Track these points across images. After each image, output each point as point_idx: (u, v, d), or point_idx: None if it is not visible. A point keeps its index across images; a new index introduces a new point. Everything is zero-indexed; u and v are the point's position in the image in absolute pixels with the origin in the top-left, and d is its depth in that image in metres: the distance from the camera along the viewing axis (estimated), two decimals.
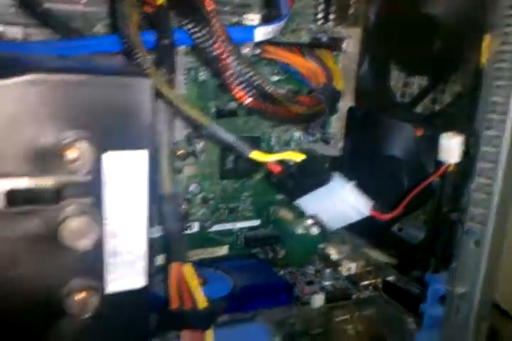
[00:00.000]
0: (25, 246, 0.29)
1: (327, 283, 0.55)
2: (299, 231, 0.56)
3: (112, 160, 0.29)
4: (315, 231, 0.57)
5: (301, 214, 0.57)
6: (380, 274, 0.54)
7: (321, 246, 0.56)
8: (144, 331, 0.32)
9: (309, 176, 0.37)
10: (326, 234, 0.57)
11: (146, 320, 0.32)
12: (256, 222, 0.58)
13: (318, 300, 0.53)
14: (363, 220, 0.44)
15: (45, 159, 0.28)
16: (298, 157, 0.36)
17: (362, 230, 0.50)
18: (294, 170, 0.36)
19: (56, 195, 0.28)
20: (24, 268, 0.29)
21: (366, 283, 0.55)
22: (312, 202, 0.40)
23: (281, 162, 0.36)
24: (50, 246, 0.29)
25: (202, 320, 0.32)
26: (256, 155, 0.34)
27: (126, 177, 0.30)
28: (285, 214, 0.58)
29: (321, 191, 0.39)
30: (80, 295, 0.30)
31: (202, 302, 0.32)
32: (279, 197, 0.58)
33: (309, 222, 0.57)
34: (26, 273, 0.29)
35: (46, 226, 0.29)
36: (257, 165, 0.57)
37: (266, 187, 0.57)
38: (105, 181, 0.30)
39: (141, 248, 0.31)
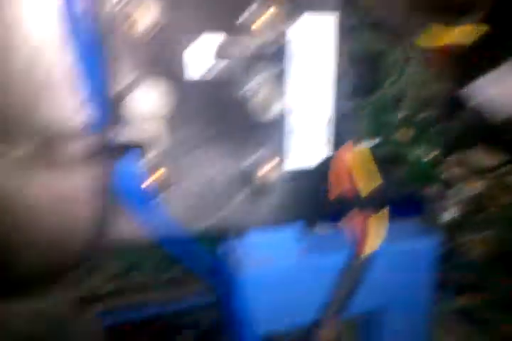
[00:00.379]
0: (216, 114, 0.29)
1: (452, 202, 0.53)
2: (417, 152, 0.55)
3: (300, 27, 0.28)
4: (434, 151, 0.55)
5: (418, 135, 0.56)
6: (508, 193, 0.52)
7: (444, 165, 0.55)
8: (318, 209, 0.32)
9: (484, 57, 0.35)
10: (445, 155, 0.55)
11: (324, 195, 0.31)
12: (374, 142, 0.56)
13: (445, 217, 0.52)
14: (496, 134, 0.42)
15: (237, 27, 0.27)
16: (477, 31, 0.33)
17: (493, 145, 0.47)
18: (467, 53, 0.34)
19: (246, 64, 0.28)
20: (215, 139, 0.29)
21: (492, 202, 0.53)
22: (485, 87, 0.38)
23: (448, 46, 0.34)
24: (237, 117, 0.29)
25: (376, 201, 0.32)
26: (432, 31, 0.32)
27: (312, 45, 0.29)
28: (403, 134, 0.56)
29: (496, 74, 0.36)
30: (264, 168, 0.30)
31: (376, 182, 0.31)
32: (399, 115, 0.56)
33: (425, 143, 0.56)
34: (217, 145, 0.29)
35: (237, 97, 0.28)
36: (379, 81, 0.56)
37: (385, 105, 0.55)
38: (293, 50, 0.29)
39: (324, 121, 0.30)
